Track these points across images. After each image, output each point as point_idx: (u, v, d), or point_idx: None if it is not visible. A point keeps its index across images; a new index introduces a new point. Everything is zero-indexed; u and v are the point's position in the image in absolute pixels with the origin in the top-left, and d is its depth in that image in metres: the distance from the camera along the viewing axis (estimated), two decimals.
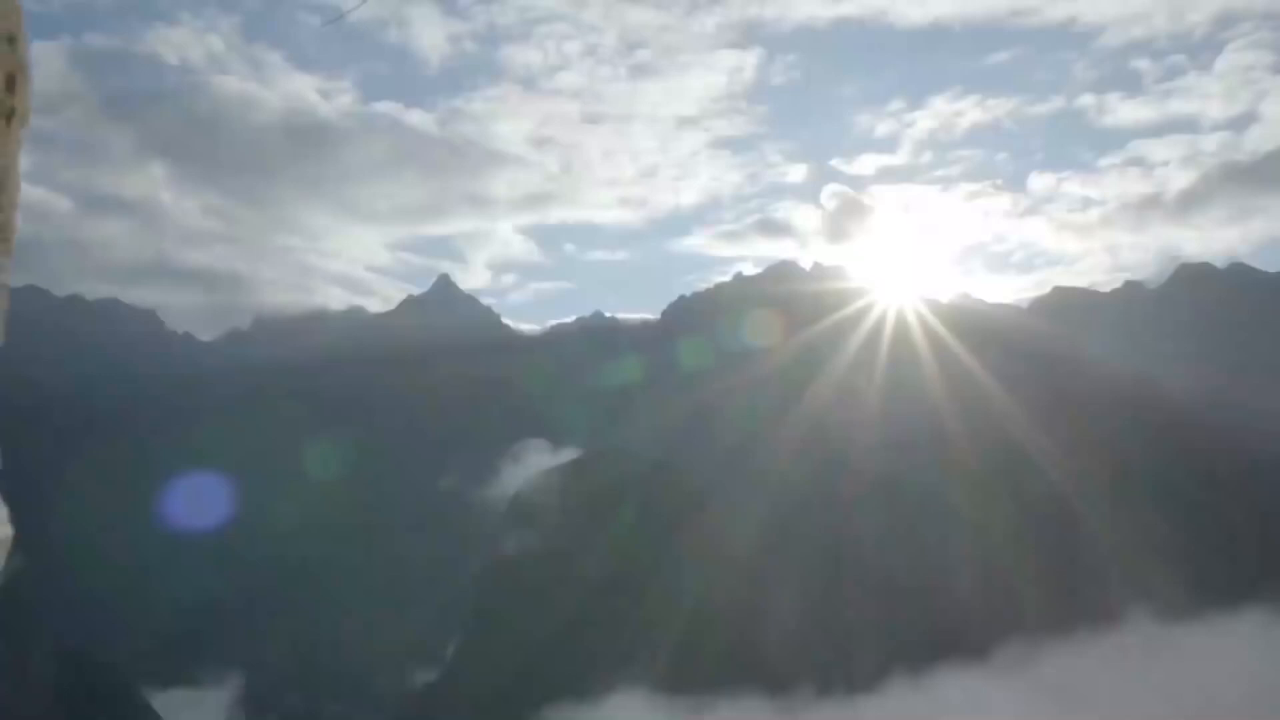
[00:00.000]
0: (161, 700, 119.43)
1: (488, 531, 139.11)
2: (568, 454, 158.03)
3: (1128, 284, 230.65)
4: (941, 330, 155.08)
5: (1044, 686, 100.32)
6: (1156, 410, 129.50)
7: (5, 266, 1.18)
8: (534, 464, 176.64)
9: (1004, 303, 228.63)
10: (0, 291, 1.23)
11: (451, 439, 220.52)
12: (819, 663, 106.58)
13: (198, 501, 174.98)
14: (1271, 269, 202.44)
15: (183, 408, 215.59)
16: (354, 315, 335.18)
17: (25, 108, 1.09)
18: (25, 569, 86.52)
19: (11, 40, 1.09)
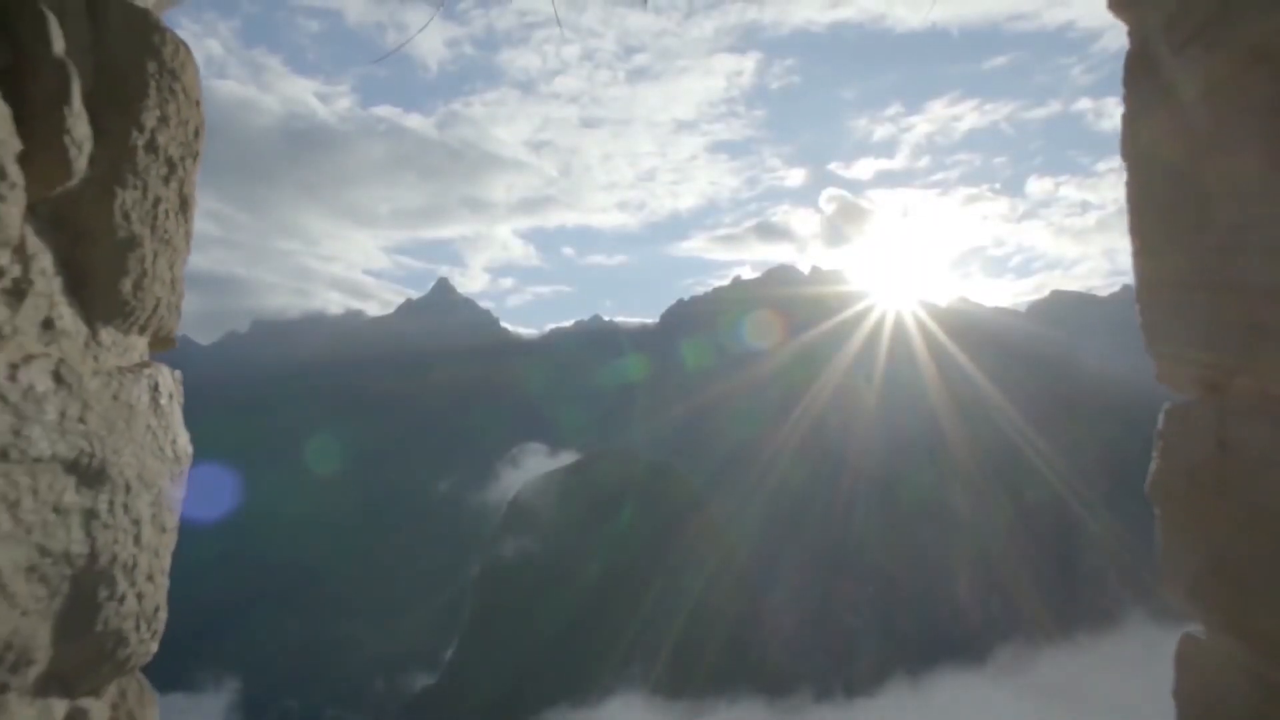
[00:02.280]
0: (159, 705, 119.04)
1: (486, 535, 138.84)
2: (566, 457, 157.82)
3: (1125, 288, 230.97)
4: (940, 334, 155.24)
5: (1043, 689, 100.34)
6: (1154, 413, 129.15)
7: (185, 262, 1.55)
8: (532, 467, 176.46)
9: (1002, 306, 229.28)
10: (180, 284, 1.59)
11: (450, 443, 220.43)
12: (817, 666, 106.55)
13: (200, 491, 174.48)
14: None
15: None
16: (352, 319, 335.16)
17: (202, 150, 1.47)
18: None
19: (198, 103, 1.43)
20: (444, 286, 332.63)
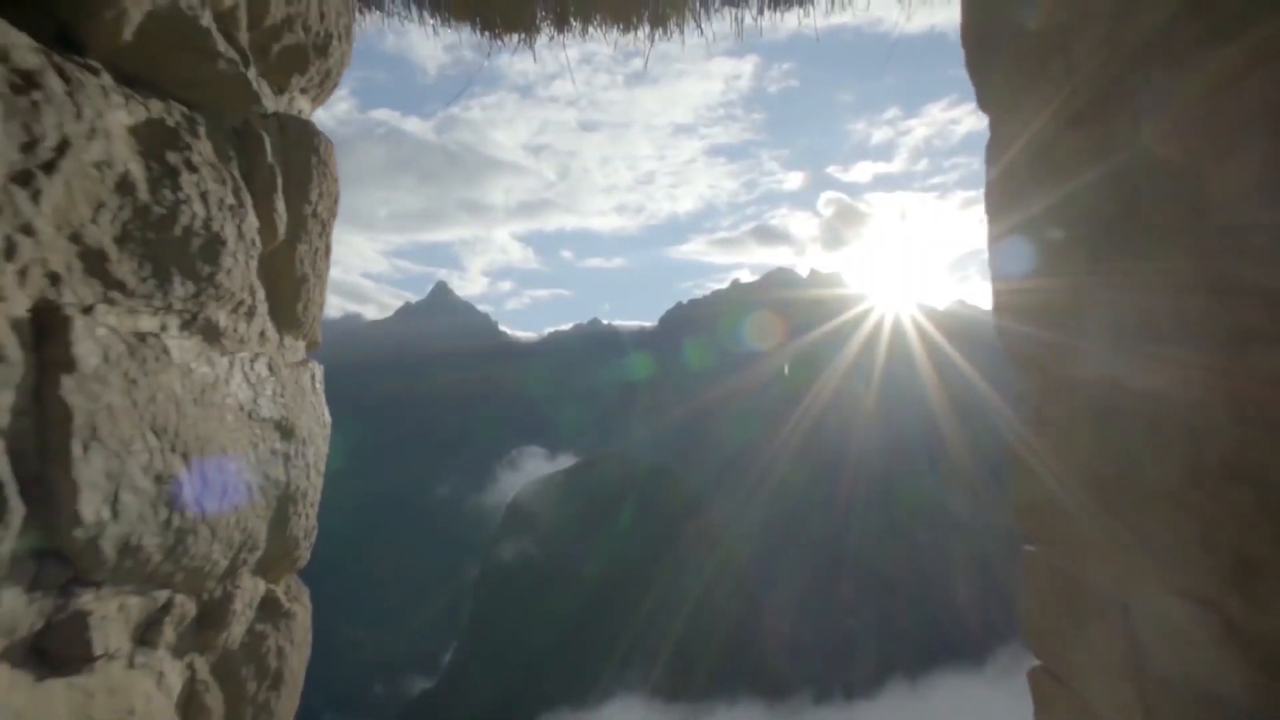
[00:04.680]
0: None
1: (485, 538, 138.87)
2: (565, 460, 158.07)
3: None
4: (938, 337, 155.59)
5: None
6: None
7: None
8: (531, 470, 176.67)
9: None
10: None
11: (448, 446, 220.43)
12: (816, 668, 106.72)
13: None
14: None
15: None
16: (350, 322, 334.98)
17: (338, 210, 2.19)
18: None
19: (336, 179, 2.11)
20: (442, 290, 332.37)
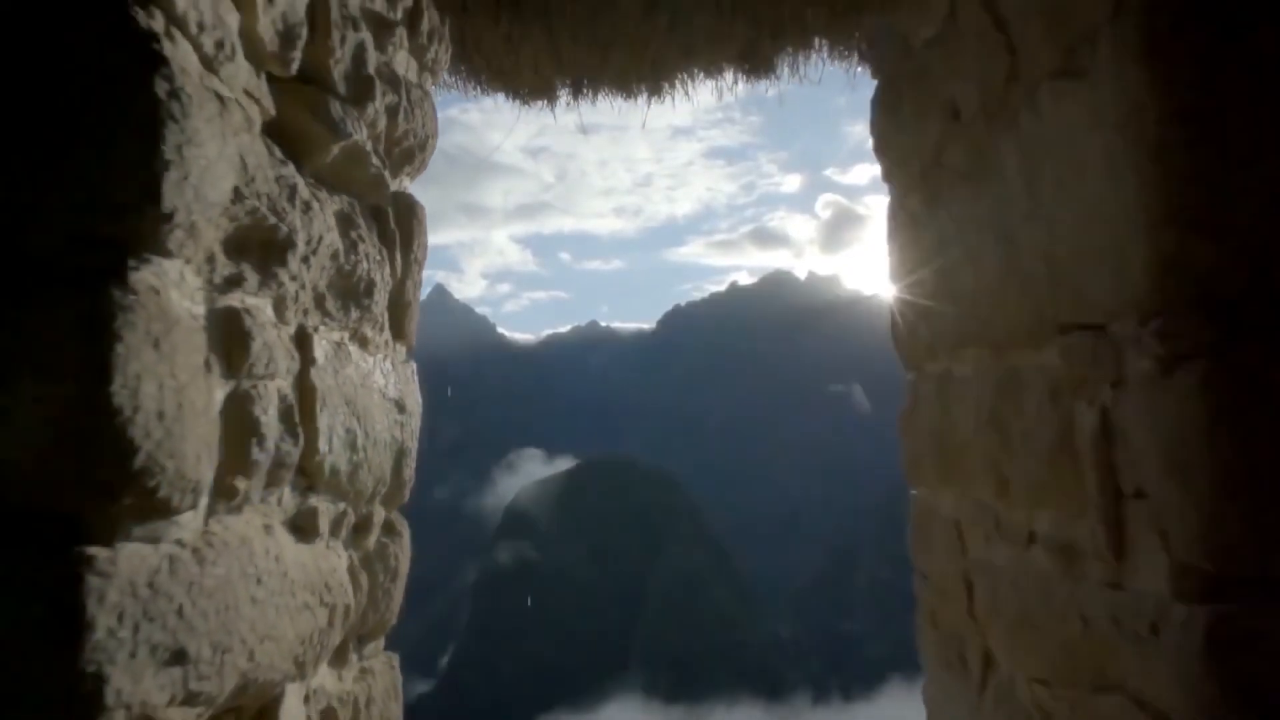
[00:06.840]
0: None
1: (483, 541, 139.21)
2: (563, 462, 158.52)
3: None
4: None
5: None
6: None
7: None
8: (529, 473, 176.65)
9: None
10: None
11: (446, 449, 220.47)
12: (815, 669, 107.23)
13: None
14: None
15: None
16: None
17: (427, 252, 2.94)
18: None
19: (425, 230, 2.95)
20: (440, 292, 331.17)
